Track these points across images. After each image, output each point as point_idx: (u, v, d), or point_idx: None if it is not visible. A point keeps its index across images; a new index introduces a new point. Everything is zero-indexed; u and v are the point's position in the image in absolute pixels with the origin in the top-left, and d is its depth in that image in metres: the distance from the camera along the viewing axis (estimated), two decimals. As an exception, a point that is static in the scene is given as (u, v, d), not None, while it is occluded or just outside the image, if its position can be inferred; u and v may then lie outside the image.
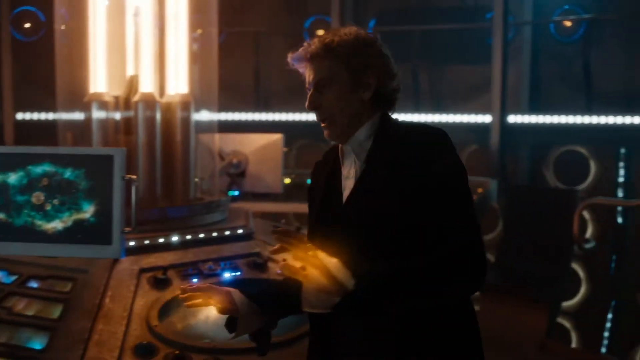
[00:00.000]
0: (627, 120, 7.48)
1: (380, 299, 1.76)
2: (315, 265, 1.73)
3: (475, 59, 8.64)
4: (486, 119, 8.01)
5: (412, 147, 1.84)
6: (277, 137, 4.91)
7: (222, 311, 1.95)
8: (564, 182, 8.24)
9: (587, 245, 5.52)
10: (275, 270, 3.21)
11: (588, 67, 8.04)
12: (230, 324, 1.99)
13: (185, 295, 1.95)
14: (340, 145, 1.98)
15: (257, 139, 4.94)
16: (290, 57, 1.98)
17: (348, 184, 1.94)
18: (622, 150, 7.96)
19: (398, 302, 1.78)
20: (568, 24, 8.33)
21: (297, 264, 1.74)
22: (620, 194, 7.93)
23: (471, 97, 8.69)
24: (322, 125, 1.96)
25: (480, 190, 6.17)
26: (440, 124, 8.14)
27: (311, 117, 1.84)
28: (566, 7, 8.33)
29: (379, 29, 8.89)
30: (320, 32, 2.08)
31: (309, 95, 1.95)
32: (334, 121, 1.93)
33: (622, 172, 7.99)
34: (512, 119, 7.96)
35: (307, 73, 1.96)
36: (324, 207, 1.99)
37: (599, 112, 7.64)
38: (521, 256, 5.82)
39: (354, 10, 8.83)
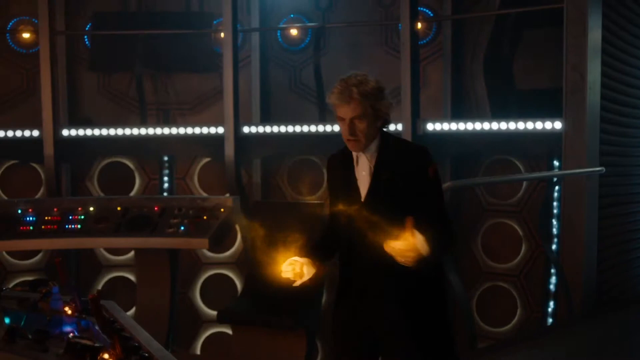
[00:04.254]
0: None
1: (435, 258, 2.76)
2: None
3: (203, 67, 7.92)
4: (219, 130, 7.27)
5: (407, 156, 2.83)
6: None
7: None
8: (298, 191, 7.84)
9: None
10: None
11: (318, 76, 7.70)
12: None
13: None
14: (354, 153, 2.85)
15: None
16: (333, 98, 2.80)
17: (363, 178, 2.84)
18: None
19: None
20: (294, 32, 7.92)
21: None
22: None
23: (201, 108, 7.93)
24: (350, 140, 2.81)
25: (222, 210, 5.34)
26: (170, 136, 7.27)
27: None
28: (292, 15, 7.93)
29: (96, 32, 7.74)
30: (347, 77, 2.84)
31: (348, 126, 2.78)
32: (360, 140, 2.79)
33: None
34: (246, 130, 7.30)
35: (345, 109, 2.78)
36: (346, 195, 2.86)
37: (331, 121, 7.29)
38: (271, 281, 5.11)
39: (65, 12, 7.56)
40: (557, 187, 5.96)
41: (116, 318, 2.66)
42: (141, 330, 2.59)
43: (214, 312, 7.94)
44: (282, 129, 7.21)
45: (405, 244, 2.61)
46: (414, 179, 2.77)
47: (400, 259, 2.64)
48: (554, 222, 6.16)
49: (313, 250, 3.02)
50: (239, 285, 7.91)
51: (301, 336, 4.74)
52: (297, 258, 2.92)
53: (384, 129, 2.90)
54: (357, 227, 2.80)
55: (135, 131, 7.27)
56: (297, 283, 2.94)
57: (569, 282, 5.35)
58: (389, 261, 2.71)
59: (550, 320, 6.40)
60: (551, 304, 6.50)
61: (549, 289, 6.53)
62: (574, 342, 4.93)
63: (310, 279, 2.95)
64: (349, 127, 2.78)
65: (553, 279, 6.52)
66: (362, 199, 2.84)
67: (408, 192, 2.76)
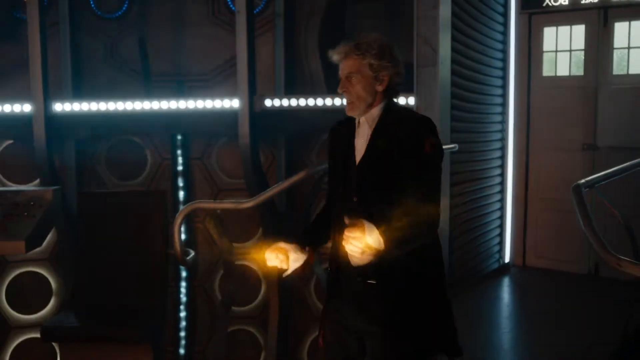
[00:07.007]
0: (182, 105, 6.40)
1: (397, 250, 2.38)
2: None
3: (1, 35, 6.66)
4: (25, 108, 6.13)
5: (408, 125, 2.49)
6: None
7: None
8: (118, 176, 6.91)
9: (189, 258, 4.22)
10: None
11: (142, 47, 6.76)
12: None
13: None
14: (357, 118, 2.61)
15: None
16: (332, 52, 2.57)
17: (360, 144, 2.58)
18: (179, 137, 6.92)
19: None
20: (110, -3, 6.91)
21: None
22: (180, 183, 6.94)
23: (1, 82, 6.68)
24: (348, 104, 2.57)
25: (39, 205, 4.35)
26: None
27: None
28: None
29: None
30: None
31: (342, 83, 2.56)
32: (354, 101, 2.56)
33: (180, 160, 6.97)
34: (58, 107, 6.22)
35: (343, 66, 2.57)
36: (345, 159, 2.61)
37: (156, 97, 6.42)
38: (105, 287, 4.25)
39: None
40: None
41: None
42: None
43: (25, 317, 6.84)
44: (103, 106, 6.22)
45: (357, 241, 2.29)
46: (411, 150, 2.43)
47: (353, 259, 2.43)
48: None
49: (304, 234, 2.72)
50: (53, 284, 6.82)
51: (146, 350, 3.95)
52: (282, 244, 2.60)
53: (394, 99, 2.61)
54: (348, 199, 2.53)
55: None
56: (287, 273, 2.61)
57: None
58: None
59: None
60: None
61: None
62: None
63: (302, 267, 2.62)
64: (342, 84, 2.54)
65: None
66: (356, 167, 2.56)
67: (402, 165, 2.44)
